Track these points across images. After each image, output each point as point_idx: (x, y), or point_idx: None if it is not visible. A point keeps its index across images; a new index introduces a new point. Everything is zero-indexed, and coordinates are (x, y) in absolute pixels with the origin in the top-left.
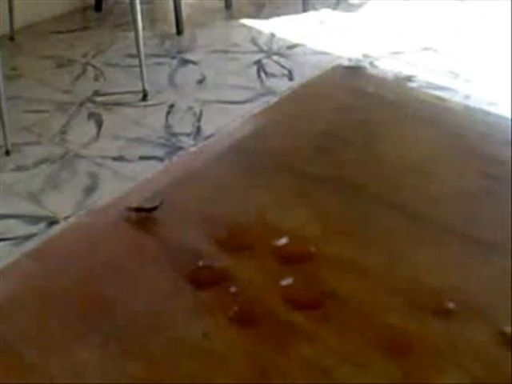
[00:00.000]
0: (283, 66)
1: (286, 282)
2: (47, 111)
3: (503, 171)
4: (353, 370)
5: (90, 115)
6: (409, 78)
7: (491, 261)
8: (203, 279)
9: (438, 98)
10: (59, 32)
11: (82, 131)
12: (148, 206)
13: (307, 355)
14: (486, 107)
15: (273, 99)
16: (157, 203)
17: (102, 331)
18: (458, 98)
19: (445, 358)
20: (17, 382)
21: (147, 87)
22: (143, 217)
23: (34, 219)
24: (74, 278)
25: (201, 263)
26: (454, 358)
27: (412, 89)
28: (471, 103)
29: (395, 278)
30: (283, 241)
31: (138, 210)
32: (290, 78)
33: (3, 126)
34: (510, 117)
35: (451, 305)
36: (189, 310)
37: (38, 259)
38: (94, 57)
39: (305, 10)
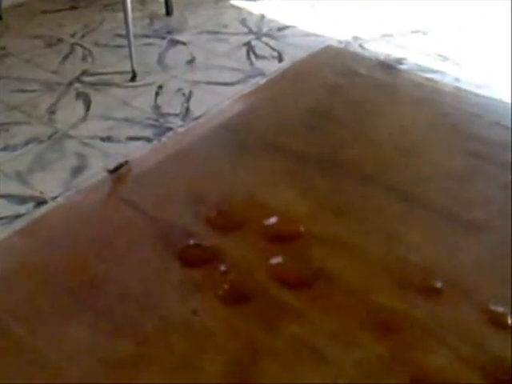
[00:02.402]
0: (273, 48)
1: (276, 260)
2: (35, 91)
3: (491, 151)
4: (342, 348)
5: (79, 95)
6: (399, 61)
7: (479, 240)
8: (193, 257)
9: (428, 79)
10: (48, 11)
11: (70, 111)
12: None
13: (296, 333)
14: (474, 89)
15: (262, 81)
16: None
17: (92, 309)
18: (447, 81)
19: (433, 336)
20: (6, 359)
21: (136, 68)
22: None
23: (21, 199)
24: (64, 256)
25: (191, 242)
26: (442, 337)
27: (401, 70)
28: (460, 86)
29: (384, 257)
30: (273, 220)
31: (108, 171)
32: (280, 60)
33: None
34: (498, 98)
35: (439, 284)
36: (179, 288)
37: (27, 237)
38: (82, 37)
39: None
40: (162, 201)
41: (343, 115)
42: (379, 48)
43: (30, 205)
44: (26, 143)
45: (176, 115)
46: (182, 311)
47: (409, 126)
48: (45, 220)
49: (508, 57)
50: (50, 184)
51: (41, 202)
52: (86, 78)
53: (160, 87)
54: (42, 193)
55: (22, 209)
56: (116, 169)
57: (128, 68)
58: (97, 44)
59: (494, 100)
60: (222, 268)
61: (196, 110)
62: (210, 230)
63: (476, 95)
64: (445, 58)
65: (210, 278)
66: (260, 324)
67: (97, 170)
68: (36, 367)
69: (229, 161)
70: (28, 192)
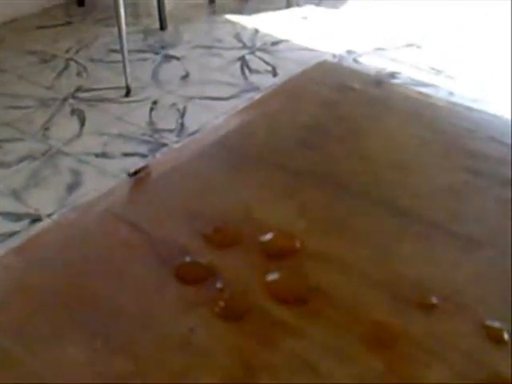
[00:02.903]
0: (267, 62)
1: (272, 277)
2: (30, 107)
3: (486, 166)
4: (338, 364)
5: (73, 111)
6: (392, 75)
7: (474, 255)
8: (189, 275)
9: (422, 93)
10: (42, 27)
11: (64, 127)
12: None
13: (293, 350)
14: (468, 104)
15: (256, 95)
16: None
17: (88, 327)
18: (441, 95)
19: (429, 351)
20: (2, 379)
21: (130, 83)
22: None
23: (16, 216)
24: (60, 274)
25: (187, 259)
26: (438, 352)
27: (396, 85)
28: (454, 100)
29: (380, 273)
30: (269, 236)
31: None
32: (274, 74)
33: None
34: (491, 112)
35: (435, 299)
36: (175, 306)
37: (23, 255)
38: (77, 52)
39: (288, 5)
40: (157, 218)
41: (338, 131)
42: (373, 62)
43: (25, 222)
44: (21, 160)
45: (171, 131)
46: (178, 329)
47: (404, 142)
48: (40, 238)
49: (505, 71)
50: (45, 201)
51: (36, 220)
52: (81, 94)
53: (154, 103)
54: (36, 210)
55: (16, 226)
56: (136, 172)
57: (122, 83)
58: (91, 59)
59: (488, 114)
60: (219, 285)
61: (191, 125)
62: (207, 246)
63: (470, 110)
64: (438, 72)
65: (206, 295)
66: (256, 340)
67: (92, 186)
68: None
69: (224, 177)
70: (23, 209)
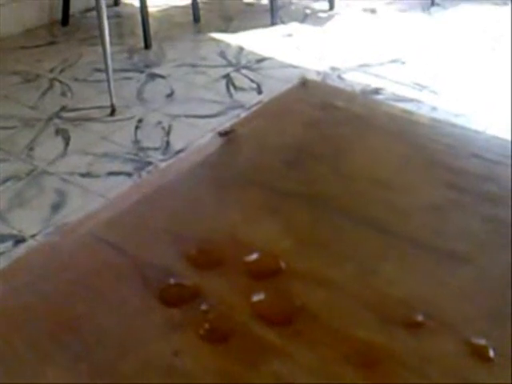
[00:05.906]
0: (252, 80)
1: (257, 297)
2: (14, 127)
3: (470, 183)
4: None
5: (58, 131)
6: (376, 91)
7: (459, 272)
8: (174, 297)
9: (405, 111)
10: (26, 47)
11: (49, 147)
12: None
13: (279, 372)
14: (452, 119)
15: (242, 113)
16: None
17: (71, 351)
18: (424, 110)
19: (414, 370)
20: None
21: (115, 102)
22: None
23: (0, 237)
24: (43, 297)
25: (171, 281)
26: (423, 371)
27: (379, 102)
28: (438, 115)
29: (365, 292)
30: (253, 256)
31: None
32: (259, 92)
33: None
34: (474, 129)
35: (420, 317)
36: (159, 329)
37: (5, 278)
38: (61, 72)
39: (273, 23)
40: (141, 240)
41: (322, 150)
42: (357, 78)
43: (9, 243)
44: (5, 180)
45: (156, 149)
46: (162, 352)
47: (387, 160)
48: (23, 262)
49: (488, 87)
50: (29, 222)
51: (20, 241)
52: (65, 114)
53: (140, 121)
54: (20, 231)
55: (0, 247)
56: (226, 133)
57: (107, 102)
58: (76, 79)
59: (470, 130)
60: (203, 307)
61: (176, 143)
62: (191, 268)
63: (452, 126)
64: (422, 87)
65: (191, 318)
66: (242, 363)
67: (77, 206)
68: None
69: (209, 197)
70: (7, 230)
